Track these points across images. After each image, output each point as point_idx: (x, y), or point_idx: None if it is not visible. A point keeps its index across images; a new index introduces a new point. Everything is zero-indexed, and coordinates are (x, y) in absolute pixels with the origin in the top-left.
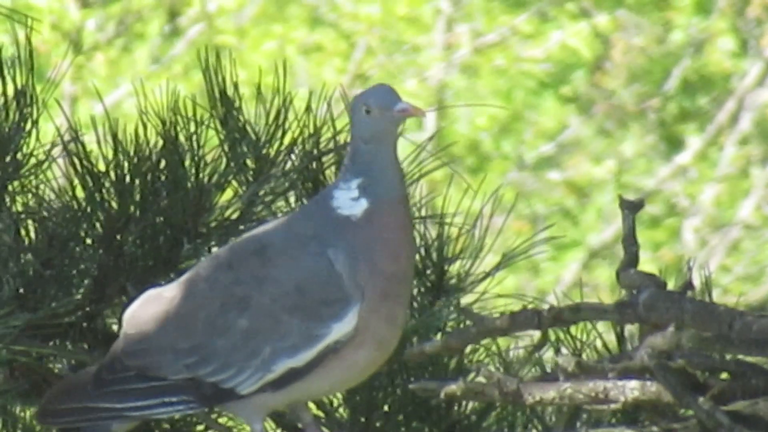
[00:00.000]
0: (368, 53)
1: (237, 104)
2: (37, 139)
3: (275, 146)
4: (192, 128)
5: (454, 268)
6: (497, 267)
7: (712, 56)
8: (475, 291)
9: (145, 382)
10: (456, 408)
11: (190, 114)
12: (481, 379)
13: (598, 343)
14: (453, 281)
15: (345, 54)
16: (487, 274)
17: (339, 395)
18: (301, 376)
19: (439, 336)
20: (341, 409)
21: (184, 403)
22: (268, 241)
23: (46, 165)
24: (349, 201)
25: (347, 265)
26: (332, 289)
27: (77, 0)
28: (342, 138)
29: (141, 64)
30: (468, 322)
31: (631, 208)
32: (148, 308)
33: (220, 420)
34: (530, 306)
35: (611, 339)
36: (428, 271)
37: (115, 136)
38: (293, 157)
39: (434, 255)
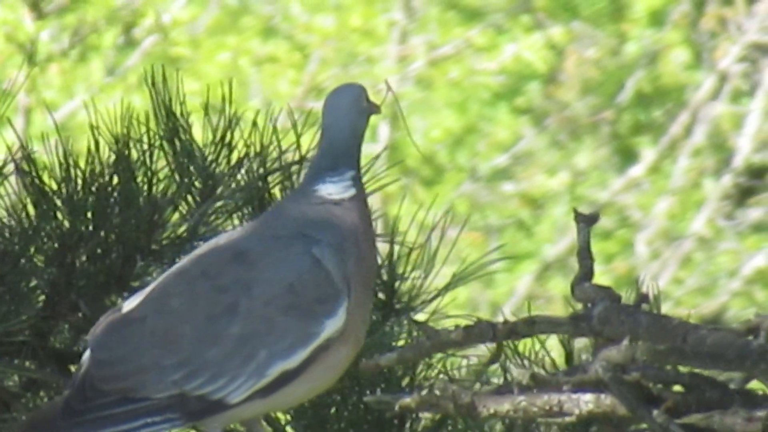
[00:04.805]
0: (323, 65)
1: (184, 125)
2: None
3: (222, 165)
4: (145, 146)
5: (405, 286)
6: (447, 287)
7: (665, 68)
8: (425, 311)
9: (126, 405)
10: (408, 425)
11: (143, 131)
12: (435, 391)
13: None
14: (404, 300)
15: (299, 65)
16: (437, 294)
17: (288, 415)
18: (291, 379)
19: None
20: (289, 428)
21: (168, 421)
22: (245, 246)
23: None
24: (341, 188)
25: (333, 260)
26: (323, 286)
27: (32, 11)
28: (288, 157)
29: (96, 75)
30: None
31: (586, 222)
32: (117, 332)
33: None
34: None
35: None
36: (378, 291)
37: (66, 153)
38: (239, 177)
39: (385, 273)
